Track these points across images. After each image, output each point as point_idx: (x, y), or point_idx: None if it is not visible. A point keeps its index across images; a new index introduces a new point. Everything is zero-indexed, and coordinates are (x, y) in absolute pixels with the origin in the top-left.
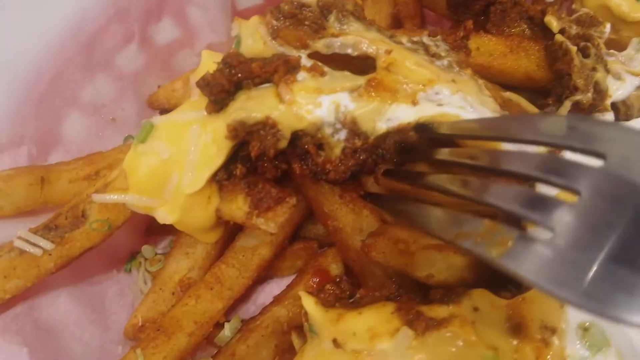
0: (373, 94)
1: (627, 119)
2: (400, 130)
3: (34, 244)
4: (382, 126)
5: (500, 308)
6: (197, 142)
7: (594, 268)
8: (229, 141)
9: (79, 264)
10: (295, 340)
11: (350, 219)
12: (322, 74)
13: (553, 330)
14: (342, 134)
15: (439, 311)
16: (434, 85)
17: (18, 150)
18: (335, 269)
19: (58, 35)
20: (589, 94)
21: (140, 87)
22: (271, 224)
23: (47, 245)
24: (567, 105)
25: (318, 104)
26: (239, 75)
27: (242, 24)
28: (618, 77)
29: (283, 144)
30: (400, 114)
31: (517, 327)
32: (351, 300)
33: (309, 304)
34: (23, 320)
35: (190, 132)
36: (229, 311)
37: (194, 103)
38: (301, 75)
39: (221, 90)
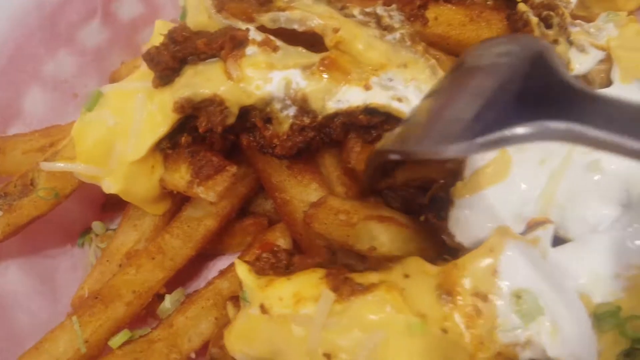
0: (326, 73)
1: None
2: (349, 113)
3: None
4: (331, 106)
5: (432, 275)
6: (142, 111)
7: None
8: (177, 114)
9: (32, 237)
10: (230, 311)
11: (298, 191)
12: (275, 48)
13: (485, 298)
14: (292, 110)
15: (369, 277)
16: (386, 71)
17: None
18: (283, 243)
19: (20, 8)
20: None
21: (102, 63)
22: (211, 192)
23: None
24: None
25: (269, 79)
26: (184, 51)
27: None
28: (582, 49)
29: (231, 120)
30: (351, 97)
31: (447, 294)
32: (287, 269)
33: (242, 270)
34: None
35: (136, 101)
36: (175, 285)
37: (144, 73)
38: (251, 49)
39: (165, 67)
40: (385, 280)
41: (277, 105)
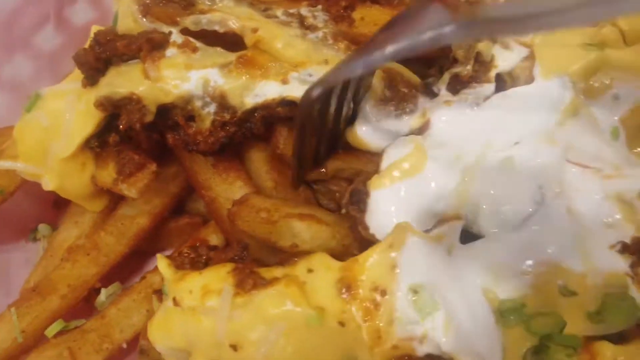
0: (243, 70)
1: None
2: (266, 106)
3: None
4: (249, 101)
5: (334, 270)
6: (72, 111)
7: None
8: (100, 112)
9: None
10: (155, 304)
11: (223, 189)
12: (194, 50)
13: (383, 292)
14: (212, 107)
15: (274, 272)
16: (306, 67)
17: None
18: (214, 239)
19: None
20: (469, 67)
21: (57, 67)
22: (132, 189)
23: None
24: (446, 77)
25: (187, 78)
26: (107, 52)
27: (120, 1)
28: (506, 46)
29: (149, 118)
30: (268, 91)
31: (348, 288)
32: (206, 264)
33: (162, 265)
34: None
35: (67, 102)
36: (114, 281)
37: (77, 75)
38: (171, 51)
39: (90, 67)
40: (289, 274)
41: (198, 103)
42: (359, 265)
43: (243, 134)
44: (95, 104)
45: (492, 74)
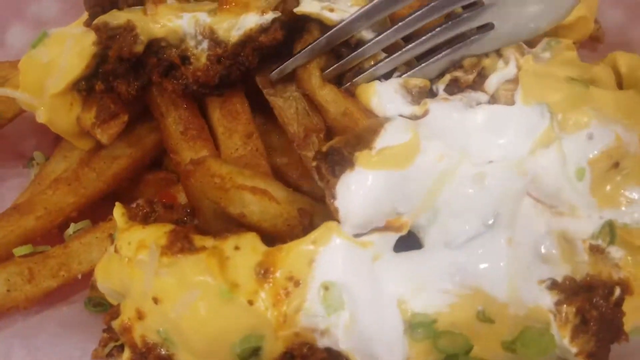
0: (226, 8)
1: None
2: (249, 37)
3: None
4: (234, 34)
5: (258, 253)
6: (69, 52)
7: None
8: (93, 47)
9: None
10: (109, 247)
11: (189, 155)
12: (188, 1)
13: (297, 283)
14: (205, 44)
15: (205, 241)
16: None
17: None
18: (182, 197)
19: None
20: (471, 76)
21: (83, 11)
22: (105, 135)
23: None
24: (447, 79)
25: (179, 16)
26: None
27: None
28: (507, 61)
29: (138, 48)
30: (247, 22)
31: (265, 273)
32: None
33: (117, 212)
34: None
35: (67, 42)
36: (86, 218)
37: (84, 19)
38: (171, 1)
39: (95, 4)
40: (217, 247)
41: (191, 42)
42: (281, 254)
43: (239, 68)
44: (92, 27)
45: (486, 85)
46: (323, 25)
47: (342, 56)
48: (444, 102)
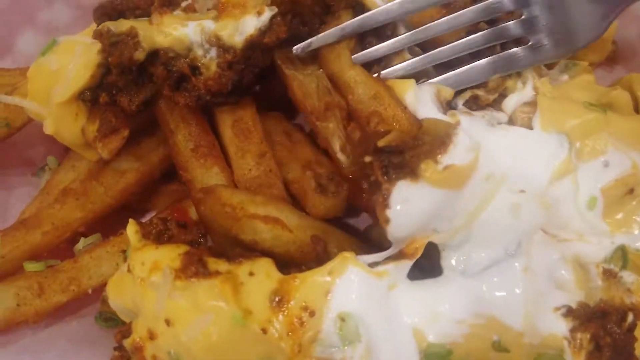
0: (225, 12)
1: None
2: (252, 41)
3: None
4: (238, 40)
5: (274, 280)
6: (76, 61)
7: None
8: (98, 56)
9: None
10: (121, 265)
11: (199, 173)
12: (194, 10)
13: (312, 313)
14: (213, 52)
15: (220, 266)
16: None
17: None
18: (193, 212)
19: None
20: (491, 96)
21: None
22: (105, 150)
23: None
24: (467, 94)
25: (185, 25)
26: (124, 5)
27: None
28: (524, 82)
29: (139, 55)
30: (247, 27)
31: (280, 301)
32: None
33: (130, 230)
34: None
35: (76, 50)
36: (96, 231)
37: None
38: (177, 12)
39: (103, 13)
40: (231, 272)
41: (199, 51)
42: (296, 282)
43: (252, 71)
44: (94, 34)
45: (504, 105)
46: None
47: (371, 46)
48: (468, 116)
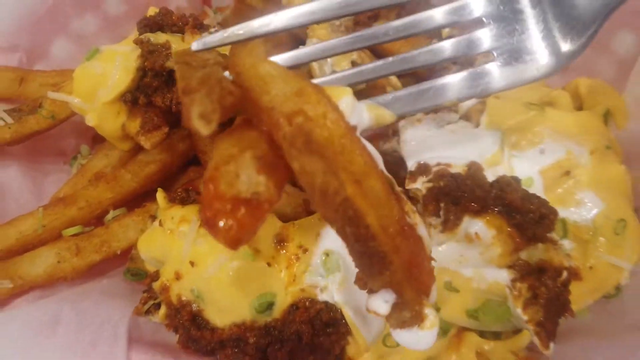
0: None
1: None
2: None
3: (1, 118)
4: None
5: (277, 226)
6: (118, 67)
7: None
8: (138, 60)
9: (36, 149)
10: (148, 224)
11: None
12: None
13: (305, 250)
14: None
15: None
16: None
17: (12, 55)
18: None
19: None
20: None
21: (116, 30)
22: (148, 142)
23: (8, 119)
24: None
25: None
26: (164, 21)
27: None
28: None
29: (170, 64)
30: None
31: (281, 242)
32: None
33: (159, 196)
34: None
35: (117, 59)
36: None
37: (131, 40)
38: (206, 34)
39: (145, 25)
40: None
41: None
42: (294, 228)
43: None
44: (135, 41)
45: (460, 105)
46: None
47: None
48: (413, 125)
